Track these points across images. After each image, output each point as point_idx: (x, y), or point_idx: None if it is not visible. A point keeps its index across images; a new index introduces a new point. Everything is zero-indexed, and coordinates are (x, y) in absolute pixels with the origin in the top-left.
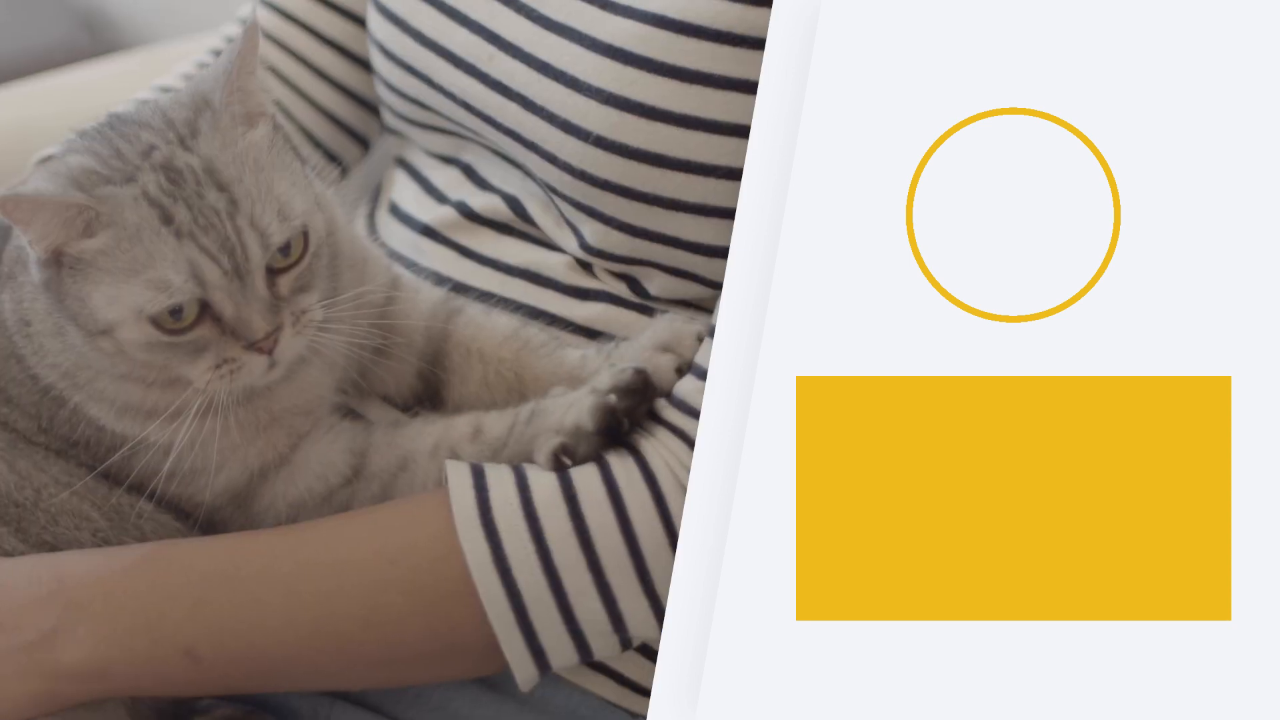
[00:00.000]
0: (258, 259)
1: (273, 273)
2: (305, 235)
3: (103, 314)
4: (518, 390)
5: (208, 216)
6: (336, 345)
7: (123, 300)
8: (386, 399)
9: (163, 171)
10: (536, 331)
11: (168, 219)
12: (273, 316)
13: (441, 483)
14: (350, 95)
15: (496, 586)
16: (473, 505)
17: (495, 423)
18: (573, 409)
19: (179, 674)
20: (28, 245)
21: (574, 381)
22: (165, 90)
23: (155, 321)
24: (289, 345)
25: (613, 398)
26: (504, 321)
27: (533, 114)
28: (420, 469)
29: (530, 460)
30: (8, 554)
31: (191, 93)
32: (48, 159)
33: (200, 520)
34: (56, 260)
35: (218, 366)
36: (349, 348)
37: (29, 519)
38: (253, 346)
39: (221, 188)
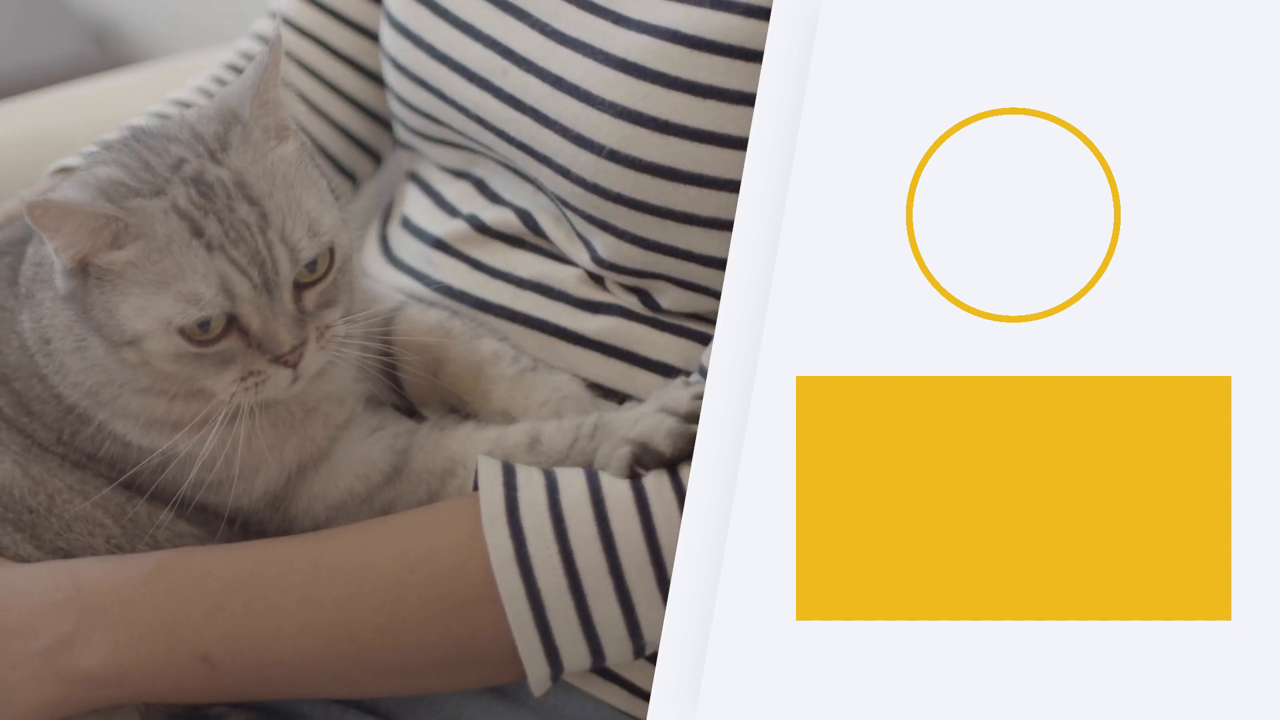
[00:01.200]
0: (287, 274)
1: (299, 288)
2: (331, 251)
3: (130, 325)
4: (433, 372)
5: (238, 230)
6: (352, 358)
7: (151, 311)
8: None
9: (193, 185)
10: (460, 323)
11: (198, 232)
12: (299, 331)
13: None
14: (363, 110)
15: (517, 584)
16: (501, 502)
17: (555, 436)
18: (639, 424)
19: (195, 680)
20: (53, 253)
21: (482, 370)
22: (180, 104)
23: (184, 333)
24: (313, 359)
25: (695, 427)
26: (434, 315)
27: (545, 128)
28: (470, 475)
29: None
30: (23, 561)
31: (219, 107)
32: (62, 170)
33: (238, 524)
34: (82, 270)
35: (243, 379)
36: (362, 360)
37: (43, 525)
38: (278, 360)
39: (252, 202)
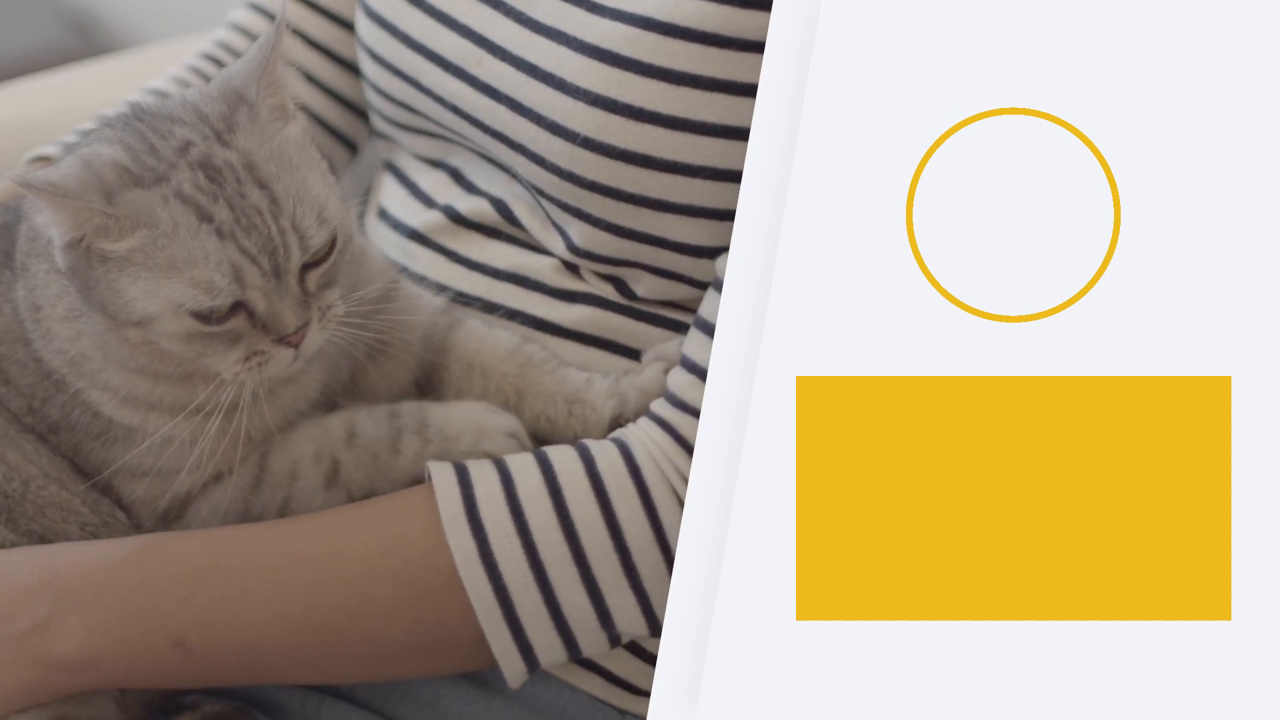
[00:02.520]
0: (297, 260)
1: (302, 269)
2: (334, 234)
3: (140, 307)
4: (515, 405)
5: (249, 216)
6: (342, 342)
7: (162, 295)
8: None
9: (200, 169)
10: (537, 349)
11: (206, 217)
12: (303, 312)
13: (327, 487)
14: (339, 99)
15: (483, 582)
16: (458, 500)
17: (367, 426)
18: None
19: (169, 665)
20: (48, 225)
21: (575, 402)
22: (157, 93)
23: (195, 314)
24: (314, 339)
25: None
26: (505, 337)
27: (520, 116)
28: (307, 475)
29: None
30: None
31: (222, 88)
32: (39, 159)
33: (141, 525)
34: (83, 247)
35: (247, 359)
36: (352, 346)
37: (18, 510)
38: (282, 340)
39: (262, 185)
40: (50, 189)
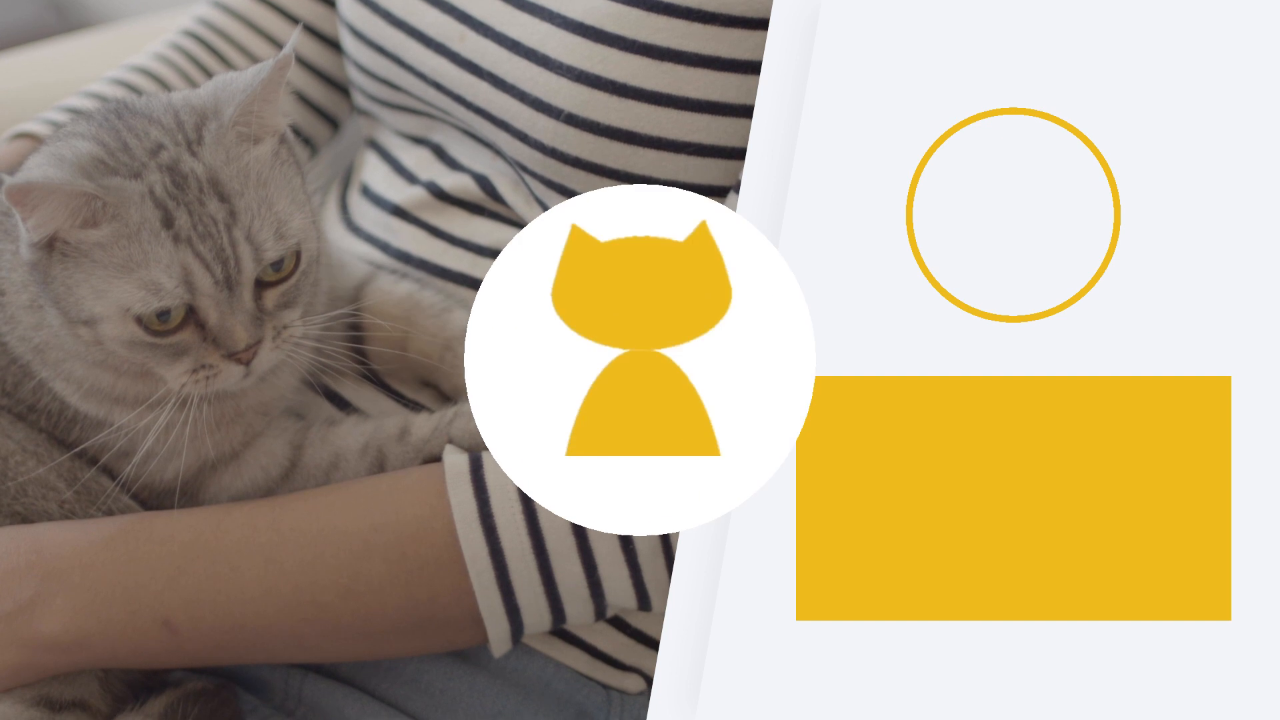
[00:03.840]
0: (249, 271)
1: (261, 286)
2: (298, 253)
3: (88, 305)
4: (401, 346)
5: (206, 225)
6: (304, 361)
7: (111, 295)
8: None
9: (169, 173)
10: (430, 294)
11: (168, 222)
12: (256, 329)
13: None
14: (321, 76)
15: (480, 543)
16: (464, 461)
17: (422, 425)
18: None
19: (156, 645)
20: (20, 224)
21: (448, 349)
22: (139, 70)
23: (140, 321)
24: (266, 358)
25: None
26: (403, 286)
27: (503, 92)
28: (350, 467)
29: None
30: None
31: (207, 97)
32: (20, 135)
33: (147, 503)
34: (50, 244)
35: (194, 371)
36: (318, 359)
37: (0, 490)
38: (232, 356)
39: (223, 199)
40: (42, 185)
